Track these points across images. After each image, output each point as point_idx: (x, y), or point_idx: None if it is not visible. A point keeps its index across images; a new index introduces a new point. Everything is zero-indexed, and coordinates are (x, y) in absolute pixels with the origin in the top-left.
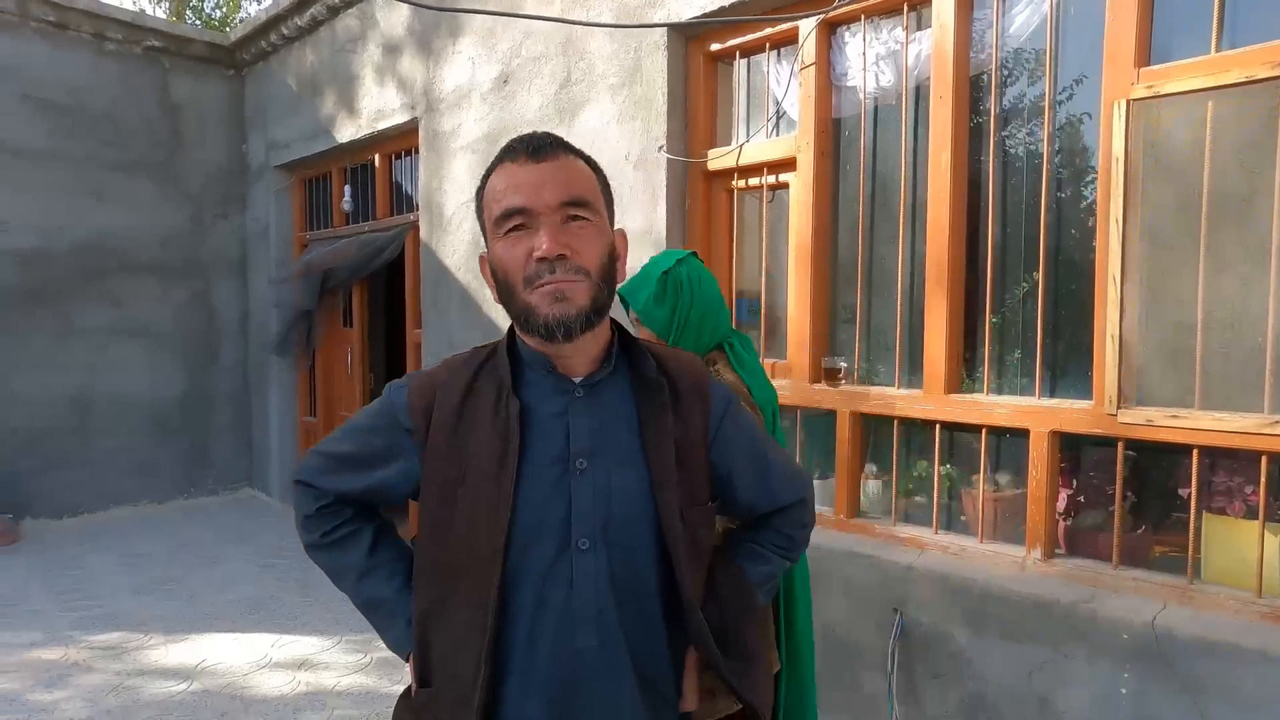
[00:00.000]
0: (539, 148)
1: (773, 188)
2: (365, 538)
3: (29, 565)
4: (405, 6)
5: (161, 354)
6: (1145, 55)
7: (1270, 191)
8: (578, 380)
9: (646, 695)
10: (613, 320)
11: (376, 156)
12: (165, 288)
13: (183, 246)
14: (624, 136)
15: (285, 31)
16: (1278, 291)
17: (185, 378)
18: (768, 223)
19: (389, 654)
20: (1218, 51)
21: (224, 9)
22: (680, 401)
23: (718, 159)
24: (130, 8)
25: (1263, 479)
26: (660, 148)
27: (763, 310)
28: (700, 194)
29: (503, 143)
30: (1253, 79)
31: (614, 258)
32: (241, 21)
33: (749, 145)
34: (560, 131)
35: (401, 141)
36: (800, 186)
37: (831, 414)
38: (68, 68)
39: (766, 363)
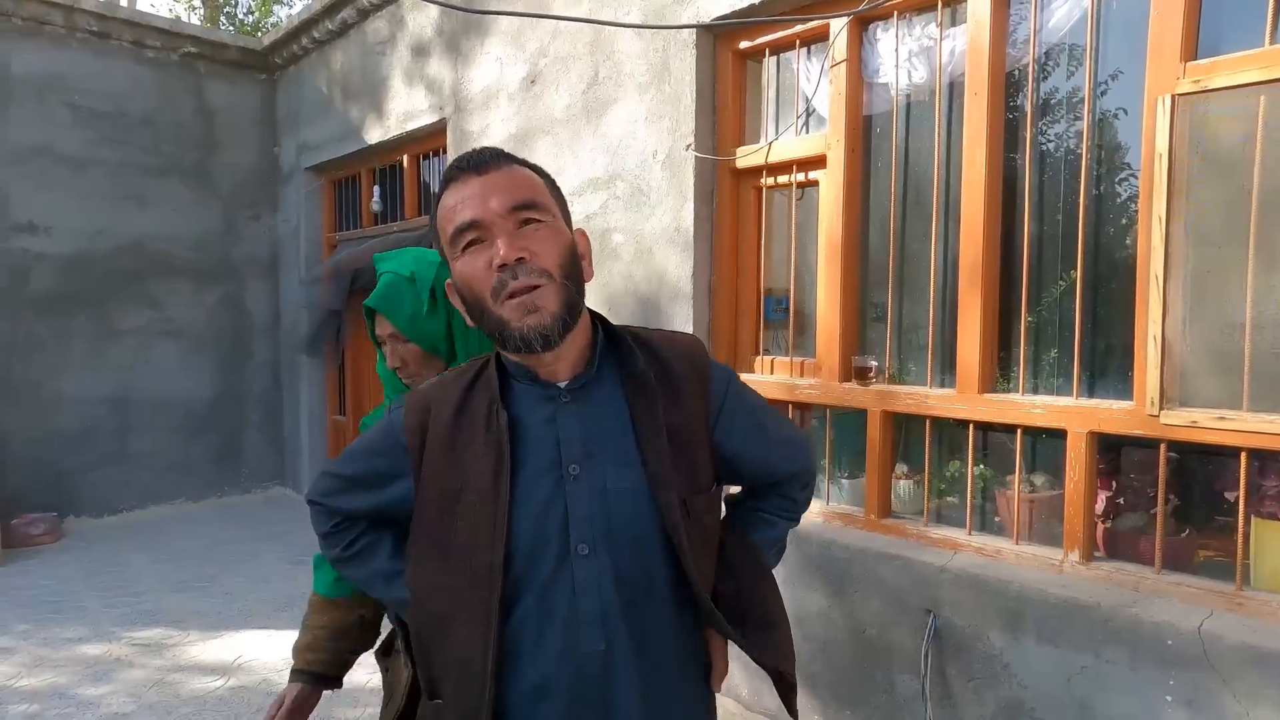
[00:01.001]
0: (480, 162)
1: (802, 185)
2: (385, 545)
3: (74, 562)
4: (434, 9)
5: (195, 354)
6: (1192, 49)
7: None
8: (563, 385)
9: (658, 692)
10: (596, 316)
11: (405, 157)
12: (199, 289)
13: (216, 248)
14: (651, 135)
15: (316, 35)
16: None
17: (218, 378)
18: (797, 221)
19: None
20: (1272, 44)
21: (256, 14)
22: (677, 389)
23: (746, 157)
24: (166, 15)
25: None
26: (688, 146)
27: (791, 309)
28: (728, 192)
29: (530, 143)
30: None
31: (576, 256)
32: (272, 26)
33: (778, 143)
34: (587, 131)
35: (430, 142)
36: (830, 184)
37: (861, 413)
38: (109, 76)
39: (795, 361)
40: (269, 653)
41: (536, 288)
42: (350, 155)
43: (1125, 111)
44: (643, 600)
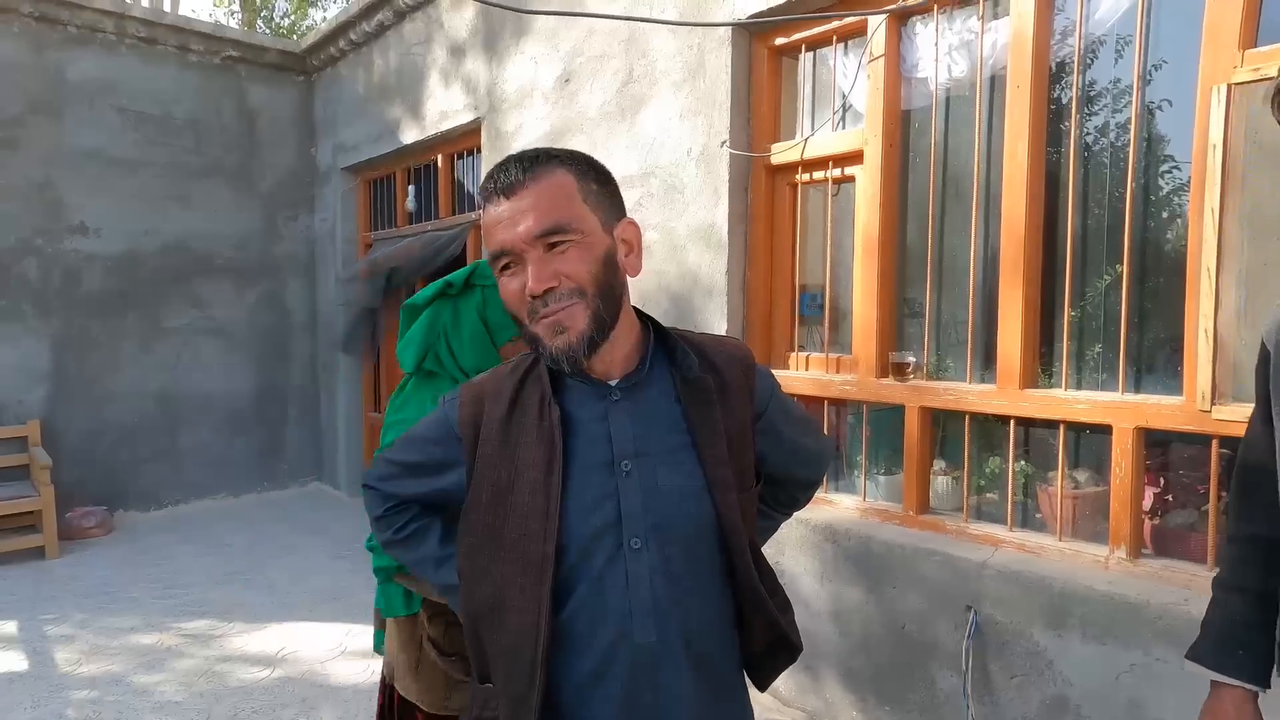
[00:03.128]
0: (509, 185)
1: (838, 181)
2: (435, 530)
3: (125, 555)
4: (471, 9)
5: (236, 352)
6: (1252, 36)
7: None
8: (614, 383)
9: (708, 684)
10: (647, 318)
11: (439, 157)
12: (240, 288)
13: (256, 248)
14: (686, 132)
15: (353, 37)
16: None
17: (258, 375)
18: (833, 217)
19: None
20: None
21: (291, 16)
22: (729, 393)
23: (781, 153)
24: (207, 20)
25: None
26: (723, 143)
27: (826, 304)
28: (763, 188)
29: (564, 141)
30: None
31: (611, 265)
32: (307, 29)
33: (814, 139)
34: (621, 129)
35: (464, 142)
36: (867, 179)
37: (898, 409)
38: (155, 80)
39: (831, 357)
40: (312, 645)
41: (564, 309)
42: (386, 155)
43: (1171, 103)
44: (692, 595)
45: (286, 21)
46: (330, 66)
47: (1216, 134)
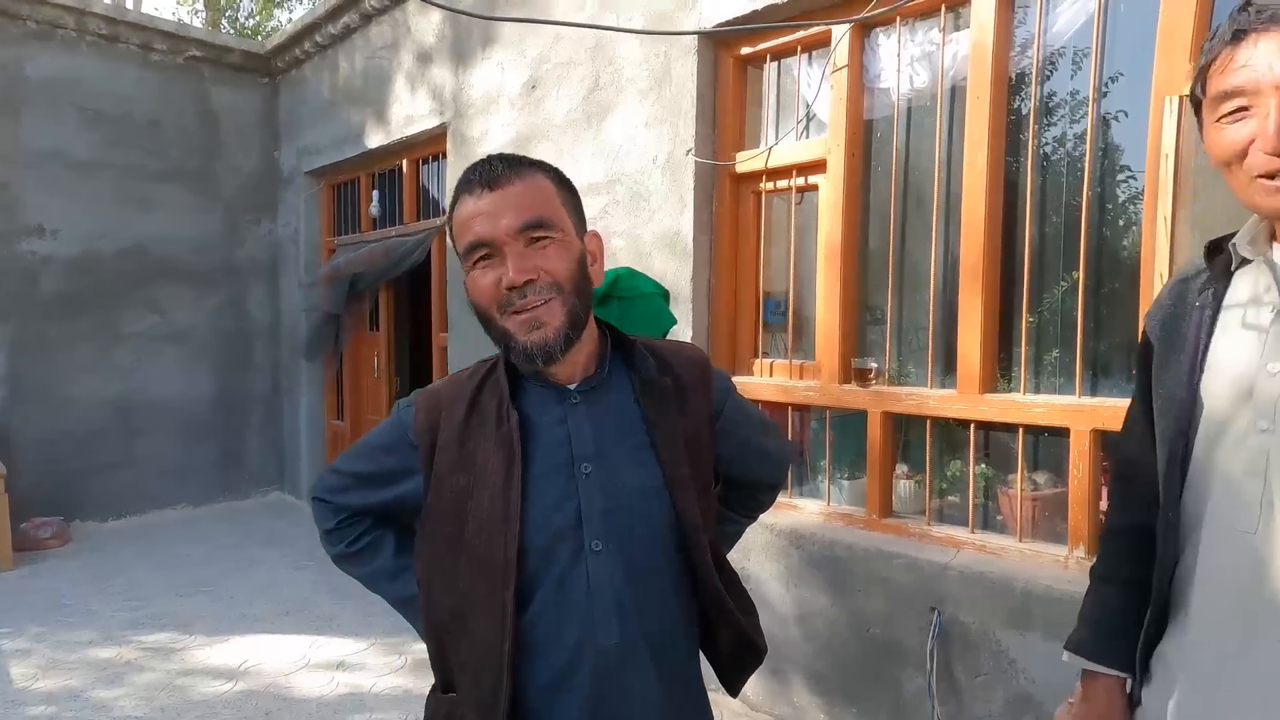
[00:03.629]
0: (493, 176)
1: (802, 190)
2: (389, 542)
3: (81, 566)
4: (438, 14)
5: (197, 358)
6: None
7: None
8: (573, 387)
9: (671, 685)
10: (604, 324)
11: (404, 162)
12: (201, 293)
13: (218, 252)
14: (652, 140)
15: (318, 40)
16: None
17: (219, 382)
18: (796, 225)
19: (423, 656)
20: None
21: (256, 17)
22: (686, 395)
23: (746, 161)
24: (170, 19)
25: None
26: (688, 151)
27: (790, 311)
28: (728, 196)
29: (530, 148)
30: None
31: (585, 267)
32: (273, 30)
33: (778, 148)
34: (588, 136)
35: (429, 147)
36: (830, 188)
37: (861, 415)
38: (116, 79)
39: (794, 364)
40: (275, 657)
41: (543, 304)
42: (350, 159)
43: (1127, 114)
44: (654, 596)
45: (251, 22)
46: (295, 69)
47: (1169, 143)
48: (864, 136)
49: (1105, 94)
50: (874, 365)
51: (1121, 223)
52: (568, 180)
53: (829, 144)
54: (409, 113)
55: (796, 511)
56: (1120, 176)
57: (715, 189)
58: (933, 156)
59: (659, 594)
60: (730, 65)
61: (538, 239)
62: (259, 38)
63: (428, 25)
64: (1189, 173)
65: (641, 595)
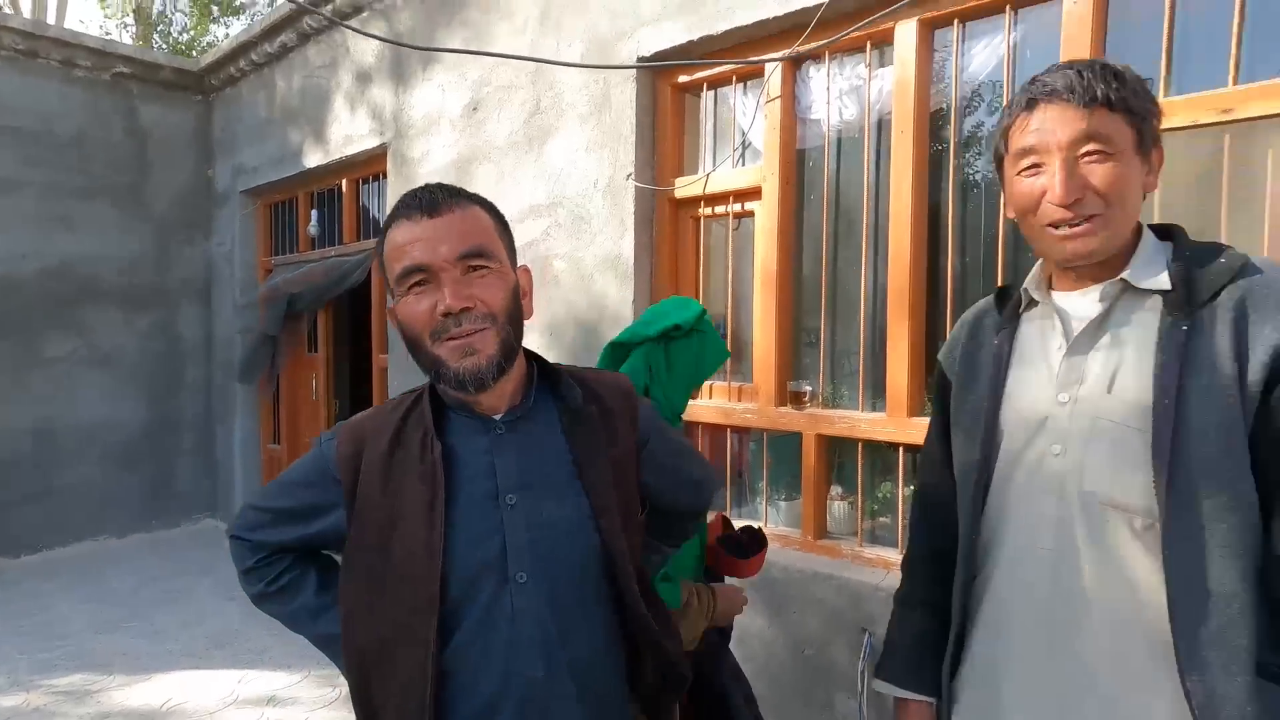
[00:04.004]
0: (433, 203)
1: (738, 216)
2: (311, 579)
3: None
4: (377, 31)
5: (125, 383)
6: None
7: (1217, 232)
8: (498, 417)
9: (598, 713)
10: (530, 353)
11: (344, 181)
12: (129, 315)
13: (148, 273)
14: (593, 164)
15: (254, 58)
16: None
17: (148, 406)
18: (734, 250)
19: None
20: (1165, 97)
21: (191, 32)
22: (613, 423)
23: (685, 187)
24: (97, 33)
25: None
26: (628, 176)
27: (729, 335)
28: (668, 221)
29: (472, 169)
30: (1197, 123)
31: (519, 299)
32: (209, 45)
33: (715, 174)
34: (529, 159)
35: (369, 167)
36: (765, 215)
37: (797, 436)
38: (36, 95)
39: (733, 386)
40: (202, 694)
41: (477, 332)
42: (288, 179)
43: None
44: (580, 626)
45: (185, 37)
46: (230, 86)
47: None
48: (797, 165)
49: None
50: (809, 388)
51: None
52: (502, 215)
53: (764, 172)
54: (348, 132)
55: None
56: None
57: (655, 213)
58: (862, 186)
59: (585, 624)
60: (668, 93)
61: (475, 268)
62: (194, 53)
63: (367, 46)
64: None
65: (567, 626)
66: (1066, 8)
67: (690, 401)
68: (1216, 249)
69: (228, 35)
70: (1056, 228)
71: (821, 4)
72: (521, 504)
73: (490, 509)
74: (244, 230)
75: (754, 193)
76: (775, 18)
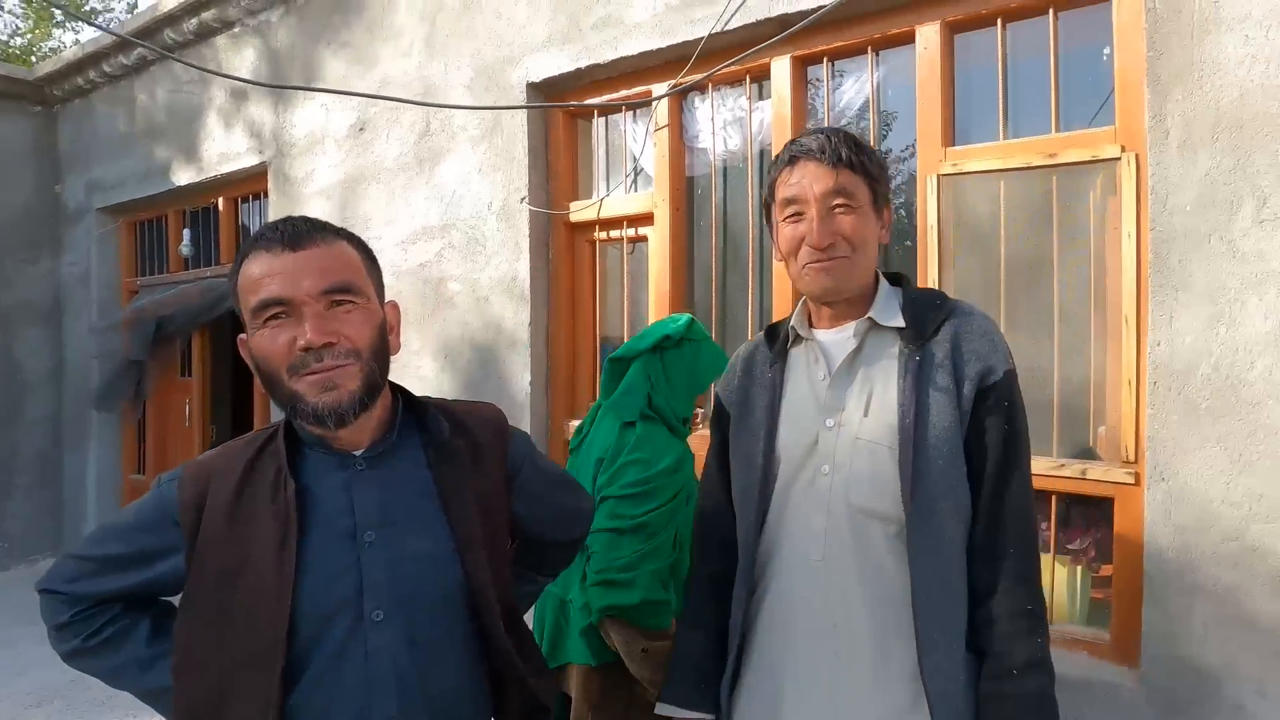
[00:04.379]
0: (296, 237)
1: (633, 240)
2: (141, 629)
3: None
4: (251, 51)
5: None
6: (950, 136)
7: (1051, 262)
8: (359, 453)
9: None
10: (396, 387)
11: (221, 200)
12: None
13: None
14: (486, 187)
15: (107, 69)
16: (1061, 349)
17: None
18: (629, 273)
19: None
20: (1004, 139)
21: (27, 37)
22: (481, 456)
23: (579, 211)
24: None
25: (1053, 516)
26: (522, 199)
27: None
28: (563, 244)
29: (361, 189)
30: (1030, 165)
31: (385, 334)
32: (52, 51)
33: (609, 199)
34: (421, 180)
35: (249, 185)
36: (658, 240)
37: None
38: None
39: None
40: None
41: (339, 368)
42: (155, 196)
43: (904, 187)
44: (440, 662)
45: (19, 41)
46: (80, 98)
47: (932, 217)
48: (687, 192)
49: (896, 169)
50: (699, 410)
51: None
52: (370, 250)
53: (655, 198)
54: (223, 150)
55: None
56: (904, 242)
57: (551, 237)
58: (747, 213)
59: (446, 660)
60: (560, 119)
61: (340, 303)
62: (33, 58)
63: (241, 61)
64: (949, 244)
65: (426, 662)
66: (919, 52)
67: None
68: (933, 293)
69: (77, 42)
70: (814, 264)
71: (702, 38)
72: (381, 540)
73: (347, 547)
74: (102, 249)
75: (647, 218)
76: (659, 49)
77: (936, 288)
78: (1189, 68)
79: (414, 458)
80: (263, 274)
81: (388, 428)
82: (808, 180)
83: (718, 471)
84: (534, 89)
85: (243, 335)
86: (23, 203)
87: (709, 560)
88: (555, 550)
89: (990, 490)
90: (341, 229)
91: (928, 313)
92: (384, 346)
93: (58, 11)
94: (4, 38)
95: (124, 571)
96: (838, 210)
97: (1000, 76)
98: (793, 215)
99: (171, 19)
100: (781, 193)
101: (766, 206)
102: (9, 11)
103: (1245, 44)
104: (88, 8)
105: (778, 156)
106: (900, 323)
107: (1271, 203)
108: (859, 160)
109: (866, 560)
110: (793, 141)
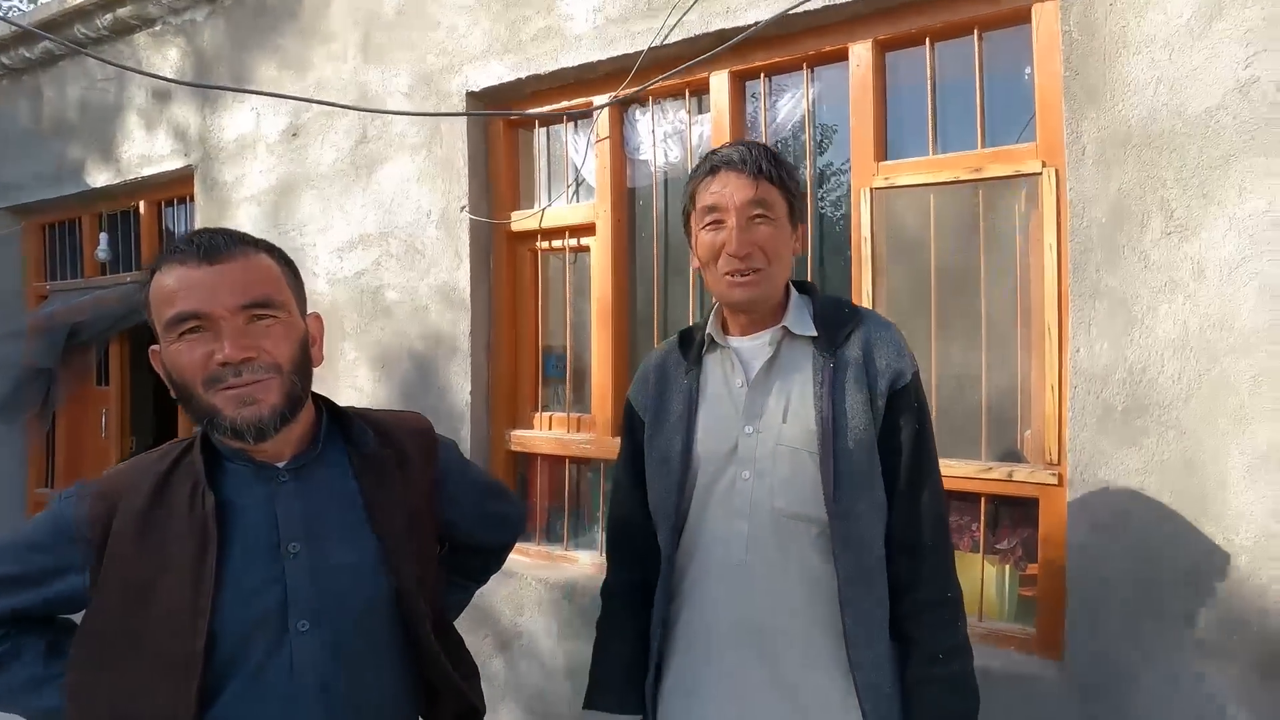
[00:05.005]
0: (212, 249)
1: (575, 250)
2: (34, 648)
3: None
4: (174, 50)
5: None
6: (883, 150)
7: (979, 273)
8: (282, 465)
9: None
10: (320, 397)
11: (142, 203)
12: None
13: None
14: (425, 195)
15: (6, 62)
16: (988, 356)
17: None
18: (571, 283)
19: None
20: (933, 154)
21: None
22: (407, 464)
23: (521, 221)
24: None
25: (982, 517)
26: (462, 208)
27: (569, 366)
28: (505, 254)
29: (294, 195)
30: (958, 179)
31: (307, 348)
32: None
33: (551, 209)
34: (358, 187)
35: (173, 189)
36: (600, 250)
37: None
38: None
39: (572, 417)
40: None
41: (258, 382)
42: (67, 198)
43: (841, 199)
44: (368, 672)
45: None
46: None
47: (865, 229)
48: (628, 203)
49: (828, 180)
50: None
51: (846, 294)
52: (291, 261)
53: (597, 209)
54: (144, 152)
55: (571, 564)
56: (839, 255)
57: (492, 246)
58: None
59: (374, 670)
60: (500, 128)
61: (260, 317)
62: None
63: (162, 60)
64: (882, 256)
65: (353, 673)
66: (852, 69)
67: (529, 432)
68: (840, 301)
69: None
70: (731, 276)
71: (641, 51)
72: (305, 552)
73: (270, 560)
74: (6, 253)
75: (589, 228)
76: (599, 61)
77: (870, 296)
78: (1103, 87)
79: (339, 469)
80: (177, 287)
81: (311, 439)
82: (729, 190)
83: (630, 479)
84: (474, 98)
85: (155, 346)
86: None
87: (625, 568)
88: (485, 556)
89: (905, 488)
90: (261, 240)
91: (838, 322)
92: (306, 359)
93: None
94: None
95: (14, 591)
96: (756, 220)
97: (929, 93)
98: (712, 223)
99: (82, 13)
100: (702, 200)
101: (686, 214)
102: None
103: (1152, 66)
104: None
105: (698, 166)
106: (813, 331)
107: (1177, 215)
108: (778, 174)
109: (790, 561)
110: (714, 152)
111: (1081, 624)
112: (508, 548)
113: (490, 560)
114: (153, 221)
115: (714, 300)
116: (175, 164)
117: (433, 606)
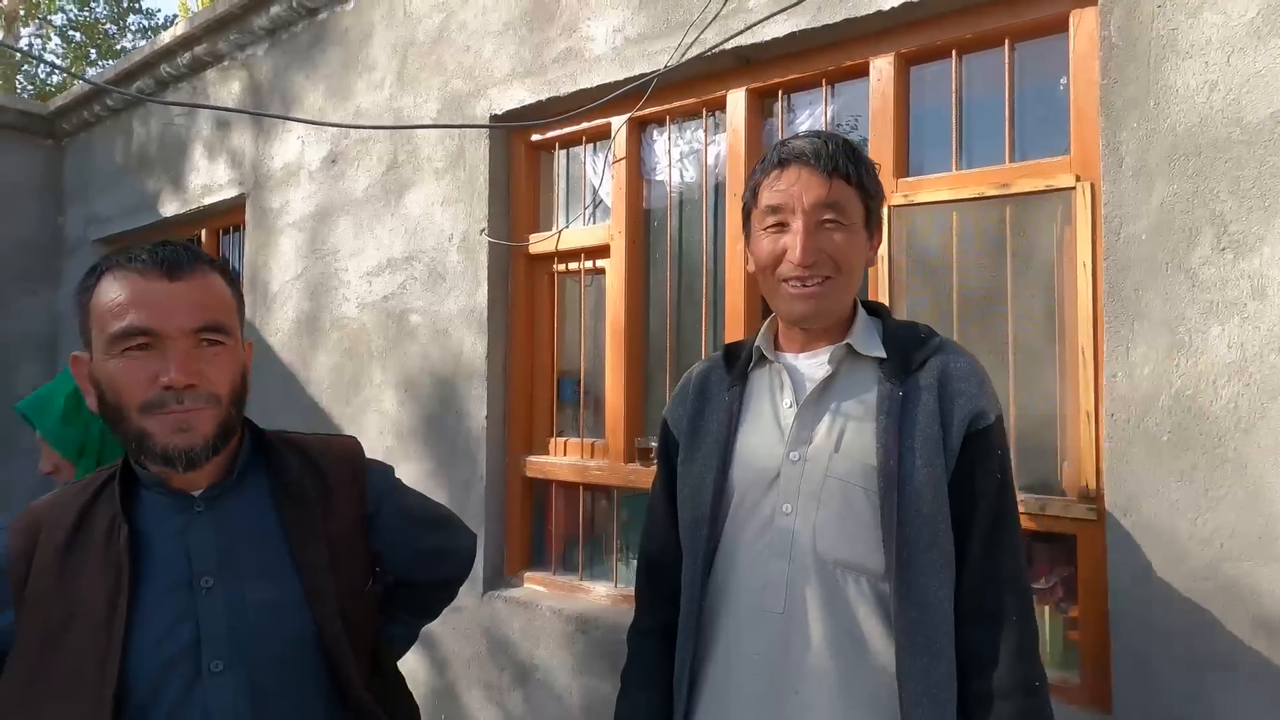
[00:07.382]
0: (175, 264)
1: (590, 272)
2: None
3: None
4: (237, 84)
5: None
6: (903, 167)
7: (1006, 294)
8: (198, 494)
9: None
10: (247, 422)
11: (204, 231)
12: None
13: None
14: (448, 218)
15: (110, 103)
16: (1016, 382)
17: None
18: (586, 306)
19: None
20: (957, 170)
21: (61, 78)
22: (333, 494)
23: (539, 243)
24: None
25: None
26: (482, 231)
27: (581, 390)
28: (522, 276)
29: (330, 221)
30: (983, 195)
31: (245, 377)
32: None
33: (567, 231)
34: (388, 211)
35: (230, 217)
36: (614, 272)
37: (646, 493)
38: None
39: (586, 442)
40: None
41: (195, 411)
42: (144, 228)
43: None
44: (288, 715)
45: (56, 79)
46: (84, 131)
47: (884, 249)
48: (644, 225)
49: None
50: (655, 444)
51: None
52: (237, 282)
53: (612, 230)
54: (206, 182)
55: (586, 595)
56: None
57: (510, 268)
58: (702, 246)
59: (298, 713)
60: (521, 149)
61: (211, 342)
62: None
63: (227, 94)
64: (901, 274)
65: (273, 717)
66: (872, 84)
67: (545, 458)
68: (917, 326)
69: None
70: (792, 285)
71: (658, 71)
72: (220, 587)
73: (184, 596)
74: None
75: (604, 250)
76: (617, 81)
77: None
78: (1145, 96)
79: (260, 498)
80: (130, 299)
81: (230, 466)
82: (797, 188)
83: (665, 509)
84: (497, 121)
85: (79, 354)
86: (28, 235)
87: (658, 611)
88: (426, 591)
89: (981, 545)
90: (215, 259)
91: (913, 346)
92: (243, 389)
93: (94, 50)
94: (42, 76)
95: None
96: (827, 225)
97: (954, 107)
98: (775, 225)
99: (168, 53)
100: (765, 198)
101: (746, 211)
102: (50, 54)
103: (1205, 70)
104: (120, 46)
105: (765, 157)
106: (881, 353)
107: (1232, 229)
108: (856, 172)
109: (839, 618)
110: (783, 142)
111: (1131, 674)
112: (451, 583)
113: (433, 595)
114: (212, 249)
115: (769, 315)
116: (231, 192)
117: (362, 646)
